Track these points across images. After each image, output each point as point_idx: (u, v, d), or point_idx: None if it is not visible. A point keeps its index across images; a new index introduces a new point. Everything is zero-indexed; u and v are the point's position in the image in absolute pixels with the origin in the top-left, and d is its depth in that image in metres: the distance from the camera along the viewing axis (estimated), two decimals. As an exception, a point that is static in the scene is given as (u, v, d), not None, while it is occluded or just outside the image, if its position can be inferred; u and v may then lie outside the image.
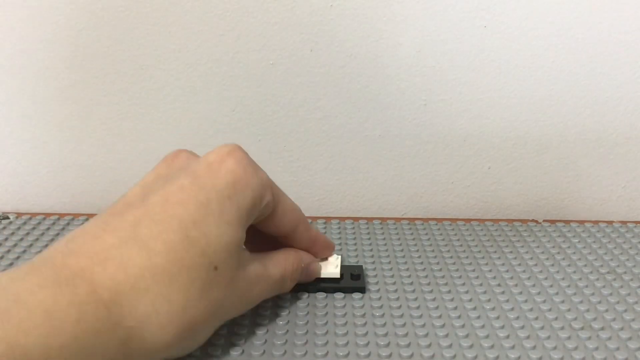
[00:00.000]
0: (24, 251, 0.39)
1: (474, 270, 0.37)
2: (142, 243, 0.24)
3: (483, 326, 0.31)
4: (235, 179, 0.27)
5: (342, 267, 0.35)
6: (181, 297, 0.25)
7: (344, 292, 0.34)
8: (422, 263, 0.38)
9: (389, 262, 0.38)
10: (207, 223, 0.26)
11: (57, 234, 0.42)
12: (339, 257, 0.35)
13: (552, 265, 0.38)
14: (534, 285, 0.35)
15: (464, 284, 0.35)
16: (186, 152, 0.30)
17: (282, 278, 0.31)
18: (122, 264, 0.24)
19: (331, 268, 0.35)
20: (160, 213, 0.25)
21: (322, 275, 0.34)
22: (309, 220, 0.44)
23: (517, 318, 0.32)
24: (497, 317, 0.32)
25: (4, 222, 0.44)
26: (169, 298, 0.24)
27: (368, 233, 0.43)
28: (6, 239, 0.41)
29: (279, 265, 0.31)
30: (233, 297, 0.27)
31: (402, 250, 0.40)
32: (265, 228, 0.31)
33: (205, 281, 0.25)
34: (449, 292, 0.34)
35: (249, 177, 0.28)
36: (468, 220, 0.46)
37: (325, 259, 0.35)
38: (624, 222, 0.46)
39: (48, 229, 0.43)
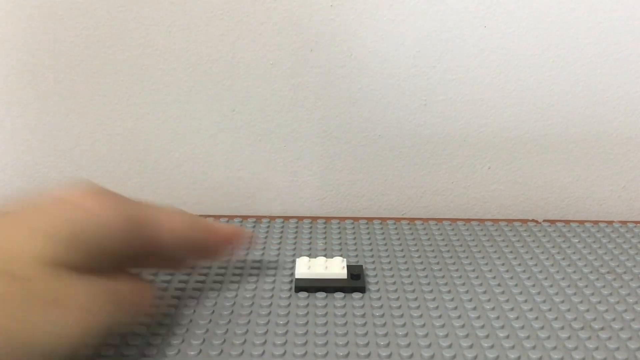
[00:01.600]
0: (24, 251, 0.39)
1: (474, 270, 0.37)
2: None
3: (483, 326, 0.31)
4: (73, 202, 0.25)
5: (342, 267, 0.35)
6: None
7: (344, 292, 0.34)
8: (422, 263, 0.38)
9: (389, 262, 0.38)
10: (11, 235, 0.24)
11: (57, 234, 0.42)
12: (344, 259, 0.35)
13: (552, 265, 0.38)
14: (534, 285, 0.35)
15: (464, 284, 0.35)
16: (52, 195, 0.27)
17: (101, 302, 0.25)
18: None
19: (337, 269, 0.35)
20: None
21: (329, 277, 0.34)
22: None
23: (517, 318, 0.32)
24: (497, 317, 0.32)
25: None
26: None
27: (368, 233, 0.43)
28: (6, 239, 0.41)
29: (119, 285, 0.26)
30: (30, 309, 0.22)
31: (402, 250, 0.40)
32: (164, 251, 0.29)
33: None
34: (449, 292, 0.34)
35: (94, 204, 0.25)
36: (468, 220, 0.46)
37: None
38: (624, 222, 0.46)
39: (48, 229, 0.43)
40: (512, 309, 0.33)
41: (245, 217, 0.45)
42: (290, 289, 0.35)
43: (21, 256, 0.23)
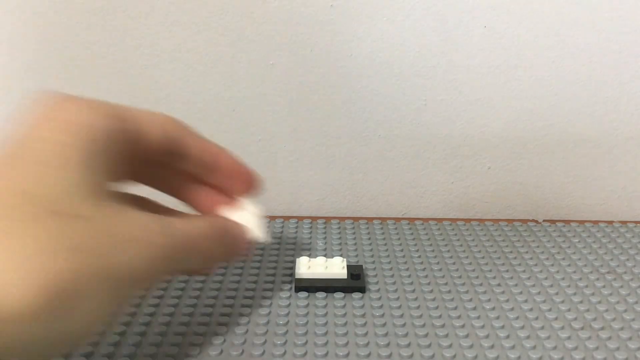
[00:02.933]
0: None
1: (474, 270, 0.37)
2: None
3: (483, 326, 0.31)
4: (69, 123, 0.23)
5: (342, 267, 0.35)
6: (26, 251, 0.20)
7: (344, 292, 0.34)
8: (422, 263, 0.38)
9: (389, 262, 0.38)
10: (33, 171, 0.22)
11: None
12: (344, 259, 0.35)
13: (552, 265, 0.38)
14: (534, 285, 0.35)
15: (464, 284, 0.35)
16: (44, 105, 0.25)
17: (192, 240, 0.25)
18: None
19: (337, 269, 0.35)
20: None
21: (329, 277, 0.34)
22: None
23: (517, 318, 0.32)
24: (497, 317, 0.32)
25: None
26: (11, 255, 0.20)
27: (368, 233, 0.43)
28: (6, 239, 0.41)
29: (186, 222, 0.25)
30: (116, 246, 0.22)
31: (402, 250, 0.40)
32: (143, 151, 0.26)
33: (58, 231, 0.21)
34: (449, 292, 0.34)
35: (84, 118, 0.24)
36: (468, 220, 0.46)
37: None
38: (624, 222, 0.46)
39: (48, 229, 0.43)
40: (512, 309, 0.33)
41: (245, 217, 0.45)
42: (290, 289, 0.35)
43: (64, 194, 0.22)
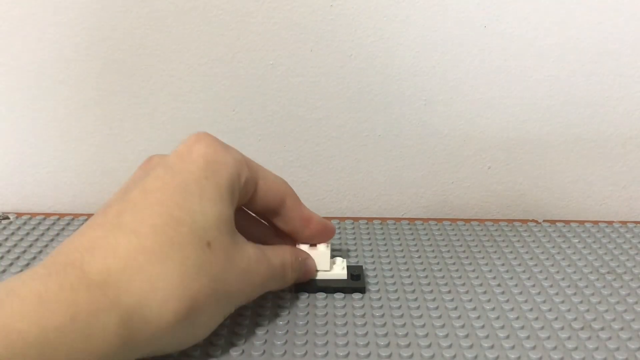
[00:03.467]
0: (24, 251, 0.39)
1: (474, 270, 0.37)
2: (127, 230, 0.25)
3: (483, 326, 0.31)
4: (208, 160, 0.28)
5: (342, 267, 0.35)
6: (177, 274, 0.25)
7: (344, 292, 0.34)
8: (422, 263, 0.38)
9: (389, 262, 0.38)
10: (190, 203, 0.26)
11: (57, 234, 0.42)
12: (344, 259, 0.35)
13: (552, 265, 0.38)
14: (534, 286, 0.35)
15: (464, 284, 0.35)
16: (158, 155, 0.30)
17: (282, 267, 0.31)
18: (111, 250, 0.24)
19: (338, 270, 0.35)
20: (141, 202, 0.26)
21: (329, 277, 0.34)
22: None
23: (517, 318, 0.32)
24: (497, 317, 0.32)
25: (4, 222, 0.44)
26: (164, 275, 0.24)
27: (368, 233, 0.43)
28: (6, 239, 0.41)
29: (278, 254, 0.31)
30: (234, 275, 0.27)
31: (402, 250, 0.40)
32: (253, 207, 0.31)
33: (199, 257, 0.25)
34: (449, 292, 0.34)
35: (220, 156, 0.28)
36: (468, 220, 0.46)
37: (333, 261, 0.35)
38: (624, 222, 0.46)
39: (48, 229, 0.43)
40: (512, 309, 0.33)
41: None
42: (291, 289, 0.35)
43: (213, 226, 0.26)
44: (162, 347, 0.26)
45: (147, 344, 0.24)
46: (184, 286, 0.25)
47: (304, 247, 0.34)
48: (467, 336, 0.30)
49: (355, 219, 0.46)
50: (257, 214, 0.33)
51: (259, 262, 0.29)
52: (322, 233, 0.34)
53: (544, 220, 0.46)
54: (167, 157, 0.28)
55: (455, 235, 0.43)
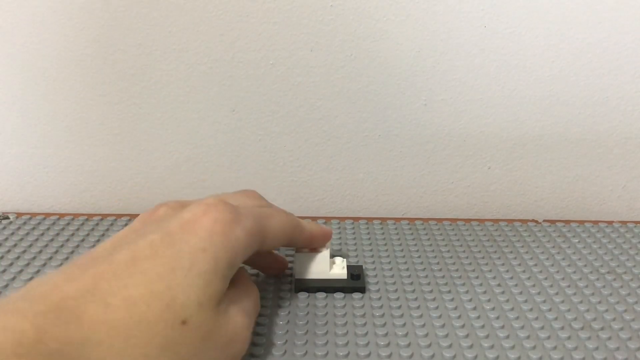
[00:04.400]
0: (24, 251, 0.39)
1: (474, 270, 0.37)
2: (100, 298, 0.23)
3: (483, 326, 0.31)
4: (212, 234, 0.26)
5: (342, 267, 0.35)
6: (138, 353, 0.23)
7: (344, 292, 0.34)
8: (422, 263, 0.38)
9: (389, 262, 0.38)
10: (174, 276, 0.24)
11: (57, 234, 0.42)
12: (344, 259, 0.35)
13: (552, 265, 0.38)
14: (534, 285, 0.35)
15: (464, 284, 0.35)
16: (166, 207, 0.29)
17: (255, 313, 0.30)
18: (76, 316, 0.22)
19: (338, 269, 0.35)
20: (124, 269, 0.24)
21: (330, 277, 0.34)
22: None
23: (517, 318, 0.32)
24: (497, 317, 0.32)
25: (4, 222, 0.44)
26: (124, 353, 0.22)
27: (368, 233, 0.43)
28: (6, 239, 0.41)
29: (247, 307, 0.29)
30: (211, 351, 0.25)
31: (402, 250, 0.40)
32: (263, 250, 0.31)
33: (169, 337, 0.23)
34: (449, 292, 0.34)
35: (228, 230, 0.26)
36: (468, 220, 0.46)
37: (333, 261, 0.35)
38: (624, 222, 0.46)
39: (48, 229, 0.43)
40: (512, 309, 0.33)
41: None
42: (290, 289, 0.35)
43: (197, 305, 0.24)
44: None
45: None
46: None
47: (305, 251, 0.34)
48: (467, 336, 0.30)
49: (355, 219, 0.46)
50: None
51: (243, 330, 0.27)
52: (321, 241, 0.34)
53: (544, 220, 0.46)
54: (172, 221, 0.26)
55: (455, 235, 0.43)
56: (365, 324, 0.31)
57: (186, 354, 0.24)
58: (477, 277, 0.36)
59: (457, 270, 0.37)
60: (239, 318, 0.27)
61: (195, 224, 0.26)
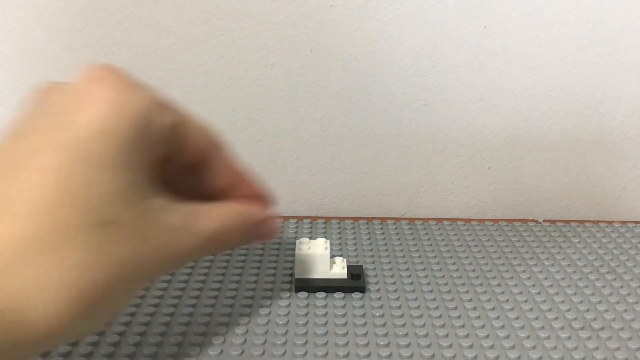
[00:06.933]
0: (24, 251, 0.39)
1: (474, 270, 0.37)
2: (2, 208, 0.20)
3: (483, 326, 0.31)
4: (107, 107, 0.22)
5: (342, 267, 0.35)
6: (69, 265, 0.20)
7: (344, 292, 0.34)
8: (422, 263, 0.38)
9: (389, 262, 0.38)
10: (77, 171, 0.21)
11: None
12: (344, 259, 0.35)
13: (552, 265, 0.38)
14: (534, 285, 0.35)
15: (464, 284, 0.35)
16: (50, 86, 0.25)
17: (216, 235, 0.25)
18: None
19: (338, 269, 0.35)
20: (20, 167, 0.21)
21: (330, 277, 0.34)
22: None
23: (517, 318, 0.32)
24: (497, 317, 0.32)
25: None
26: (46, 269, 0.20)
27: (368, 233, 0.43)
28: (6, 239, 0.41)
29: (215, 218, 0.25)
30: (144, 254, 0.22)
31: (402, 250, 0.40)
32: (179, 159, 0.25)
33: (92, 241, 0.21)
34: (449, 292, 0.34)
35: (124, 102, 0.22)
36: (468, 220, 0.46)
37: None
38: (624, 222, 0.46)
39: (48, 229, 0.43)
40: (512, 309, 0.33)
41: (245, 217, 0.45)
42: (290, 289, 0.35)
43: (109, 202, 0.21)
44: (58, 342, 0.23)
45: (36, 347, 0.21)
46: (78, 278, 0.20)
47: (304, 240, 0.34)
48: (467, 336, 0.30)
49: (355, 219, 0.46)
50: (184, 170, 0.26)
51: (181, 233, 0.24)
52: (257, 197, 0.28)
53: (544, 220, 0.46)
54: (59, 98, 0.23)
55: (455, 235, 0.43)
56: (365, 324, 0.31)
57: (117, 258, 0.21)
58: (477, 277, 0.36)
59: (457, 270, 0.37)
60: (174, 220, 0.23)
61: (87, 96, 0.22)
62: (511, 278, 0.36)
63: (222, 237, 0.26)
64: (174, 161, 0.25)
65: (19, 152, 0.21)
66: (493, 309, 0.33)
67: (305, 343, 0.29)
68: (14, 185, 0.20)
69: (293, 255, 0.39)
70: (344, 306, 0.33)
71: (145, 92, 0.23)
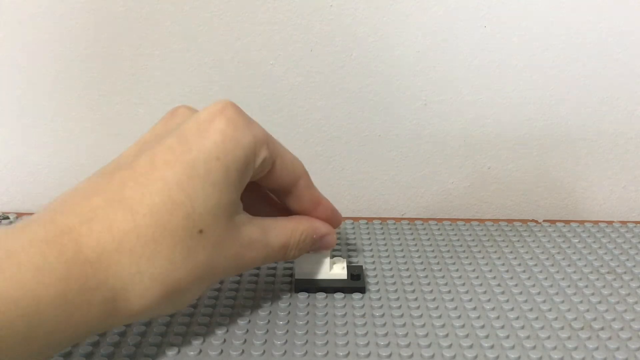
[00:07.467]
0: (24, 251, 0.39)
1: (474, 270, 0.37)
2: (127, 205, 0.25)
3: (483, 326, 0.31)
4: (225, 138, 0.26)
5: (342, 267, 0.35)
6: (164, 260, 0.25)
7: (344, 292, 0.34)
8: (422, 263, 0.38)
9: (389, 262, 0.38)
10: (192, 185, 0.25)
11: (57, 234, 0.42)
12: (344, 259, 0.35)
13: (552, 265, 0.38)
14: (534, 285, 0.35)
15: (464, 284, 0.35)
16: (184, 108, 0.30)
17: (283, 248, 0.30)
18: (107, 225, 0.24)
19: (338, 270, 0.35)
20: (146, 175, 0.26)
21: (330, 277, 0.34)
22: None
23: (517, 318, 0.32)
24: (497, 317, 0.32)
25: (4, 222, 0.44)
26: (152, 260, 0.25)
27: (368, 233, 0.43)
28: (6, 239, 0.41)
29: (283, 234, 0.30)
30: (221, 260, 0.27)
31: (402, 250, 0.40)
32: (265, 183, 0.31)
33: (189, 245, 0.25)
34: (449, 292, 0.34)
35: (239, 136, 0.27)
36: (468, 220, 0.46)
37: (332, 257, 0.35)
38: (624, 222, 0.46)
39: (48, 229, 0.43)
40: (512, 309, 0.33)
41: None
42: (290, 289, 0.35)
43: (212, 215, 0.26)
44: (140, 319, 0.28)
45: (126, 320, 0.25)
46: (168, 274, 0.25)
47: None
48: (467, 336, 0.30)
49: (355, 219, 0.46)
50: (270, 191, 0.32)
51: (254, 245, 0.29)
52: (329, 218, 0.33)
53: (544, 220, 0.46)
54: (187, 124, 0.27)
55: (455, 235, 0.43)
56: (365, 324, 0.31)
57: (203, 261, 0.26)
58: (477, 277, 0.36)
59: (457, 270, 0.37)
60: (249, 234, 0.28)
61: (210, 124, 0.27)
62: (511, 278, 0.36)
63: (288, 249, 0.31)
64: (264, 185, 0.31)
65: (146, 162, 0.26)
66: (493, 309, 0.33)
67: (305, 343, 0.29)
68: (139, 188, 0.25)
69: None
70: (344, 306, 0.33)
71: (255, 130, 0.28)
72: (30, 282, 0.22)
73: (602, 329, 0.31)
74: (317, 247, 0.33)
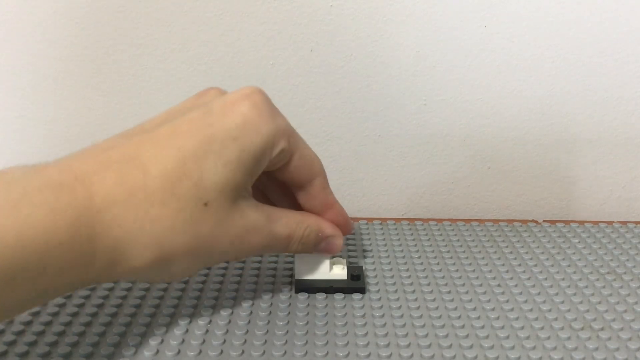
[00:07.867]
0: (24, 251, 0.39)
1: (474, 271, 0.37)
2: (140, 164, 0.26)
3: (483, 326, 0.31)
4: (246, 121, 0.27)
5: (342, 267, 0.35)
6: (167, 223, 0.26)
7: (344, 292, 0.34)
8: (422, 263, 0.38)
9: (389, 262, 0.38)
10: (205, 159, 0.26)
11: (57, 234, 0.42)
12: (345, 260, 0.35)
13: (552, 265, 0.38)
14: (534, 286, 0.35)
15: (464, 284, 0.35)
16: (216, 89, 0.30)
17: (287, 238, 0.30)
18: (119, 179, 0.25)
19: (338, 270, 0.35)
20: (164, 141, 0.26)
21: (330, 277, 0.34)
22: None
23: (517, 318, 0.32)
24: (497, 318, 0.32)
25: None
26: (155, 221, 0.25)
27: (368, 233, 0.43)
28: (6, 239, 0.41)
29: (289, 225, 0.30)
30: (222, 239, 0.27)
31: (402, 251, 0.40)
32: (280, 176, 0.31)
33: (192, 214, 0.26)
34: (449, 292, 0.34)
35: (261, 122, 0.27)
36: (468, 221, 0.46)
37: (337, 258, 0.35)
38: (624, 222, 0.46)
39: (48, 229, 0.43)
40: (512, 309, 0.33)
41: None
42: (290, 289, 0.35)
43: (219, 191, 0.27)
44: (135, 278, 0.29)
45: (121, 275, 0.26)
46: (168, 236, 0.26)
47: None
48: (467, 336, 0.30)
49: (356, 219, 0.46)
50: (284, 183, 0.32)
51: (258, 231, 0.29)
52: (339, 224, 0.33)
53: (544, 220, 0.46)
54: (215, 101, 0.28)
55: (455, 235, 0.43)
56: (365, 325, 0.31)
57: (204, 234, 0.27)
58: (477, 277, 0.36)
59: (457, 270, 0.37)
60: (254, 219, 0.28)
61: (235, 106, 0.27)
62: (511, 278, 0.36)
63: (292, 241, 0.31)
64: (279, 177, 0.31)
65: (168, 129, 0.27)
66: (493, 309, 0.33)
67: (305, 343, 0.29)
68: (156, 151, 0.26)
69: (293, 256, 0.39)
70: (344, 307, 0.33)
71: (278, 120, 0.28)
72: (43, 223, 0.23)
73: (602, 329, 0.31)
74: (321, 248, 0.33)
